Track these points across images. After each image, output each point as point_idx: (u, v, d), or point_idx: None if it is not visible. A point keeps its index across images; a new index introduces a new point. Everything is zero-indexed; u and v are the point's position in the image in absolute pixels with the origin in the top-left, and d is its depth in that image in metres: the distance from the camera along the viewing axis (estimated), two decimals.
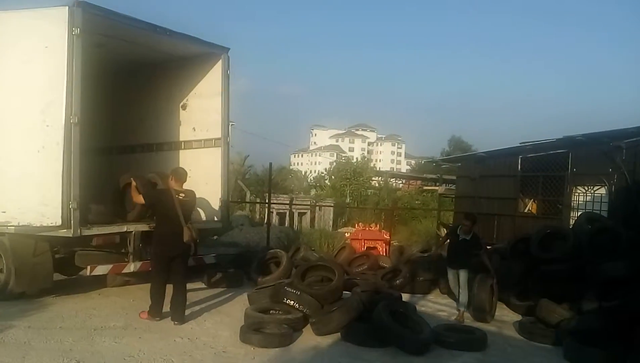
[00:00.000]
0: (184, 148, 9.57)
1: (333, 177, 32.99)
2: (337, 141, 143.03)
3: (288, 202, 22.87)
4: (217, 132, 9.04)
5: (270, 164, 13.96)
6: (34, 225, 6.90)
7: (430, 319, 8.16)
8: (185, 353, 5.98)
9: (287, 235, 15.36)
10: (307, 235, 14.93)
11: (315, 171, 63.85)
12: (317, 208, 24.10)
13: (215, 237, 19.07)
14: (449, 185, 16.94)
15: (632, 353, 5.98)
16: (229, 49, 8.96)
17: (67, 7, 6.65)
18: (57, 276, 8.54)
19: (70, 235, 6.79)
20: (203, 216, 9.10)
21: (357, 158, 36.16)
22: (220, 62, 8.92)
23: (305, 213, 23.55)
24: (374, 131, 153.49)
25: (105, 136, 10.49)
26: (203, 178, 8.99)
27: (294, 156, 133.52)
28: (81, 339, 6.25)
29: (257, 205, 23.80)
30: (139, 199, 7.34)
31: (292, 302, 7.25)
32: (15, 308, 7.35)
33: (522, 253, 10.01)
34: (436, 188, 17.84)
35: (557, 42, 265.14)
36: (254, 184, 27.42)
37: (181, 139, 9.65)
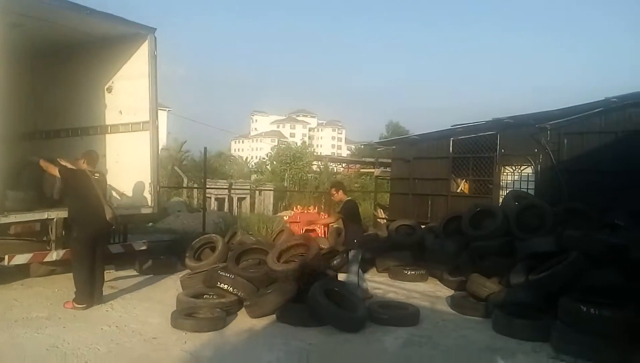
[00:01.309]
0: (111, 132, 9.18)
1: (275, 162, 32.81)
2: (278, 127, 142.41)
3: (227, 187, 22.55)
4: (144, 116, 8.72)
5: (205, 148, 13.64)
6: None
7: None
8: (113, 342, 5.76)
9: (225, 219, 15.14)
10: (246, 220, 14.76)
11: (256, 157, 63.41)
12: (257, 192, 23.89)
13: (150, 224, 18.74)
14: (385, 168, 17.18)
15: (555, 323, 6.25)
16: (155, 29, 8.63)
17: None
18: None
19: None
20: (132, 201, 8.79)
21: (296, 143, 36.10)
22: (146, 43, 8.59)
23: (244, 198, 23.32)
24: (314, 117, 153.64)
25: (27, 120, 9.94)
26: (132, 163, 8.71)
27: (235, 142, 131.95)
28: (0, 331, 5.91)
29: (195, 191, 23.33)
30: (54, 170, 7.08)
31: (226, 286, 7.15)
32: None
33: (454, 231, 10.32)
34: (373, 170, 18.04)
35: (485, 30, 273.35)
36: (192, 170, 26.86)
37: (107, 123, 9.26)
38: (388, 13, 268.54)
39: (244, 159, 59.08)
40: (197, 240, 10.40)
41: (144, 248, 8.95)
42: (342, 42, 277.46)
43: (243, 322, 6.69)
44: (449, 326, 6.99)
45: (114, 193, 8.86)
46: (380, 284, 9.51)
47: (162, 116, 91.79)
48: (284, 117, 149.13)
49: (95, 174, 6.80)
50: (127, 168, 8.82)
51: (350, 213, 8.22)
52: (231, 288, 7.10)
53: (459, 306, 7.71)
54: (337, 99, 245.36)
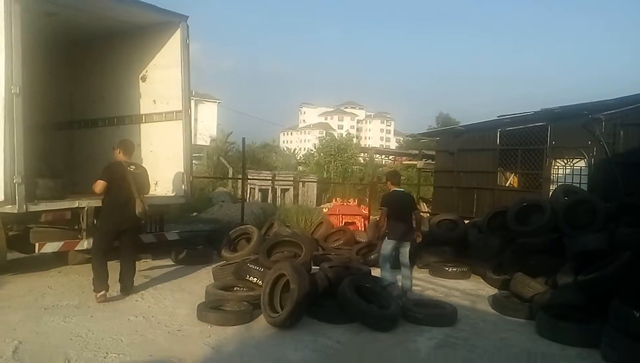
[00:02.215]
0: (145, 122, 9.16)
1: (322, 154, 32.66)
2: (326, 119, 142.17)
3: (270, 178, 22.48)
4: (177, 105, 8.64)
5: (244, 139, 13.57)
6: None
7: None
8: (137, 333, 5.68)
9: (265, 210, 15.04)
10: (285, 211, 14.60)
11: (304, 149, 63.45)
12: (301, 184, 23.72)
13: (194, 214, 18.95)
14: (429, 160, 16.65)
15: (606, 328, 5.77)
16: (187, 17, 8.53)
17: None
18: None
19: (15, 211, 6.41)
20: (165, 191, 8.75)
21: (341, 135, 35.74)
22: (178, 31, 8.50)
23: (288, 189, 23.18)
24: (362, 109, 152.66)
25: (65, 110, 10.06)
26: (165, 152, 8.66)
27: (284, 134, 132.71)
28: (28, 319, 5.93)
29: (238, 181, 23.40)
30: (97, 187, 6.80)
31: (254, 279, 6.96)
32: None
33: (499, 226, 9.81)
34: (415, 162, 17.54)
35: (545, 19, 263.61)
36: (237, 161, 26.93)
37: (142, 112, 9.26)
38: (439, 4, 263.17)
39: (292, 150, 59.25)
40: (234, 230, 10.32)
41: (176, 238, 8.89)
42: (391, 33, 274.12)
43: None
44: (488, 327, 6.59)
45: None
46: (419, 281, 9.13)
47: (212, 107, 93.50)
48: (332, 109, 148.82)
49: (131, 167, 6.65)
50: (161, 157, 8.78)
51: (385, 205, 7.82)
52: (260, 281, 6.91)
53: (500, 307, 7.27)
54: (386, 90, 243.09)
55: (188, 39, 8.56)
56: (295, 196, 23.37)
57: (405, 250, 7.86)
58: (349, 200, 13.87)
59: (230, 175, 24.63)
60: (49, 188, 7.14)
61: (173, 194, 8.76)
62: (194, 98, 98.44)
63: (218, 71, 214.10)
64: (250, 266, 7.07)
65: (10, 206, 6.41)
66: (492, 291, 8.40)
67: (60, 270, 8.42)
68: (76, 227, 7.36)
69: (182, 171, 8.64)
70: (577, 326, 5.95)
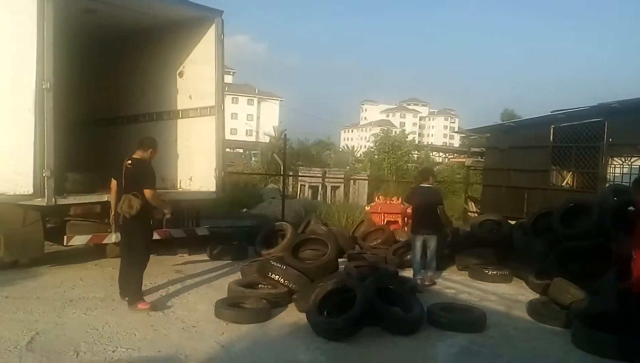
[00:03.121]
0: (182, 117, 9.28)
1: (375, 151, 32.31)
2: (387, 116, 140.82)
3: (320, 175, 22.42)
4: (211, 101, 8.68)
5: (284, 135, 13.58)
6: (8, 194, 6.77)
7: (434, 297, 7.67)
8: (152, 327, 5.71)
9: (306, 207, 14.95)
10: (327, 208, 14.45)
11: (364, 147, 63.13)
12: (352, 181, 23.52)
13: (245, 209, 19.17)
14: (477, 157, 16.01)
15: None
16: (222, 12, 8.56)
17: None
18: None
19: (44, 204, 6.61)
20: (199, 186, 8.81)
21: (395, 131, 35.19)
22: (213, 27, 8.52)
23: (338, 187, 23.04)
24: (426, 106, 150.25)
25: (104, 106, 10.37)
26: (199, 147, 8.73)
27: (345, 131, 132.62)
28: (52, 310, 6.09)
29: (291, 178, 23.51)
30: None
31: (277, 277, 6.87)
32: (3, 277, 7.30)
33: (545, 228, 9.27)
34: (463, 160, 16.92)
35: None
36: (289, 158, 27.12)
37: (179, 108, 9.37)
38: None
39: (351, 148, 59.06)
40: (269, 227, 10.29)
41: (206, 233, 8.93)
42: (456, 27, 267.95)
43: (290, 315, 6.38)
44: (519, 335, 6.19)
45: (180, 179, 9.00)
46: (455, 284, 8.77)
47: (275, 105, 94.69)
48: (394, 106, 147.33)
49: (127, 163, 6.30)
50: (195, 152, 8.88)
51: (407, 201, 8.39)
52: (282, 279, 6.81)
53: (537, 314, 6.83)
54: (451, 86, 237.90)
55: (223, 35, 8.58)
56: (346, 193, 23.19)
57: (431, 244, 8.23)
58: (392, 198, 13.52)
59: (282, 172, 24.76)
60: (78, 182, 7.35)
61: (206, 189, 8.80)
62: (257, 96, 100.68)
63: (282, 69, 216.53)
64: (272, 263, 6.98)
65: (39, 199, 6.63)
66: (532, 296, 7.89)
67: (97, 262, 8.65)
68: (106, 221, 7.50)
69: (214, 166, 8.66)
70: (615, 338, 5.47)
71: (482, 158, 14.73)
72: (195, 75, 9.04)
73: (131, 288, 6.32)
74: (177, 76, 9.30)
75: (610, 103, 10.34)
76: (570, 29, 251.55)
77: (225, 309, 6.06)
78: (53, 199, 6.70)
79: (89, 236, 7.39)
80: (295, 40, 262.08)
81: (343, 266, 8.08)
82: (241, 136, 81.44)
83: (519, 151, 12.64)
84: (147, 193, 6.12)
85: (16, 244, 7.53)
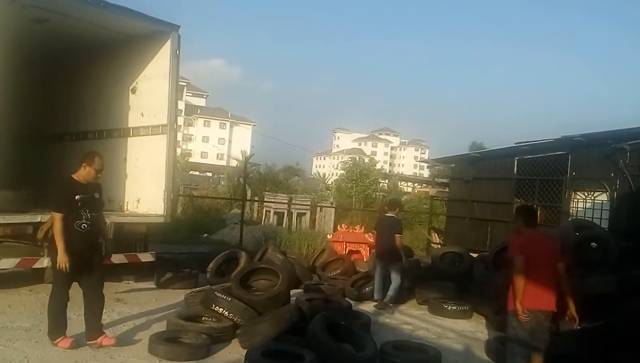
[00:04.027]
0: (132, 135, 8.82)
1: (344, 179, 32.07)
2: (359, 144, 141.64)
3: (286, 201, 21.98)
4: (163, 118, 8.26)
5: (246, 158, 13.33)
6: None
7: (389, 333, 7.32)
8: None
9: (266, 234, 14.50)
10: (287, 236, 14.02)
11: (336, 174, 63.11)
12: (318, 209, 23.13)
13: (205, 235, 18.60)
14: (440, 188, 15.87)
15: None
16: (178, 26, 8.26)
17: None
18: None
19: None
20: (146, 209, 8.32)
21: (364, 160, 35.05)
22: (169, 42, 8.16)
23: (304, 214, 22.62)
24: (397, 136, 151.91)
25: (53, 121, 9.83)
26: (148, 168, 8.27)
27: (317, 159, 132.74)
28: None
29: (256, 204, 23.04)
30: None
31: (221, 309, 6.39)
32: None
33: (506, 263, 8.98)
34: (427, 189, 16.76)
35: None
36: (256, 182, 26.66)
37: (129, 125, 8.92)
38: (476, 27, 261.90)
39: (322, 175, 58.81)
40: (222, 254, 9.83)
41: (151, 259, 8.40)
42: (431, 59, 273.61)
43: (232, 352, 5.91)
44: None
45: (127, 201, 8.50)
46: (413, 319, 8.42)
47: (247, 130, 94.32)
48: (366, 135, 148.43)
49: None
50: (144, 173, 8.41)
51: (375, 228, 9.38)
52: (226, 312, 6.34)
53: (495, 353, 6.52)
54: (422, 118, 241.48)
55: (178, 50, 8.24)
56: (313, 220, 22.77)
57: (391, 270, 8.82)
58: (355, 227, 13.19)
59: (248, 197, 24.25)
60: (9, 199, 6.77)
61: (154, 213, 8.32)
62: (229, 120, 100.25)
63: (255, 94, 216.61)
64: (217, 294, 6.50)
65: None
66: (492, 333, 7.61)
67: (32, 288, 8.01)
68: (39, 244, 6.94)
69: (164, 188, 8.20)
70: None
71: (447, 189, 14.57)
72: (148, 91, 8.64)
73: (48, 322, 5.62)
74: (130, 92, 8.87)
75: (574, 136, 10.28)
76: (542, 60, 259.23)
77: (160, 344, 5.55)
78: None
79: (18, 260, 6.80)
80: (270, 65, 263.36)
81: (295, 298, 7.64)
82: (212, 160, 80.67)
83: (483, 183, 12.49)
84: (52, 216, 5.44)
85: None
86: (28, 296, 7.59)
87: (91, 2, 7.40)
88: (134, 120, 8.90)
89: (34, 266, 7.07)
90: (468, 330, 7.95)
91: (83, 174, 5.58)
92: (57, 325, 5.55)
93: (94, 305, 5.70)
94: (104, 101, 9.25)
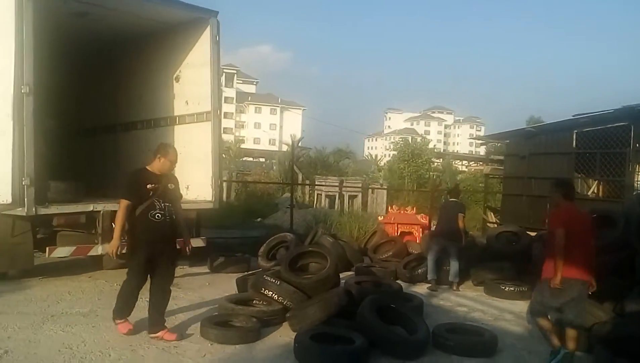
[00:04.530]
0: (178, 123, 8.94)
1: (395, 160, 31.68)
2: (412, 124, 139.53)
3: (337, 184, 21.93)
4: (207, 106, 8.30)
5: (293, 142, 13.25)
6: None
7: (443, 316, 7.14)
8: (130, 347, 5.29)
9: (316, 217, 14.46)
10: (338, 218, 13.92)
11: (388, 155, 62.69)
12: (370, 190, 22.96)
13: (258, 219, 18.84)
14: (494, 165, 15.31)
15: None
16: (217, 12, 8.25)
17: None
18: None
19: (25, 214, 6.26)
20: (195, 195, 8.41)
21: (416, 139, 34.37)
22: (208, 28, 8.17)
23: (356, 196, 22.51)
24: (451, 114, 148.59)
25: (101, 113, 10.09)
26: (195, 154, 8.33)
27: (368, 140, 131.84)
28: (30, 326, 5.72)
29: (307, 188, 23.10)
30: None
31: (270, 293, 6.39)
32: None
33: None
34: (482, 167, 16.23)
35: None
36: (306, 166, 26.70)
37: (175, 114, 9.05)
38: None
39: (374, 157, 58.45)
40: (272, 238, 9.85)
41: (202, 245, 8.50)
42: (482, 34, 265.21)
43: (283, 335, 5.90)
44: (533, 360, 5.63)
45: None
46: (469, 300, 8.20)
47: (297, 115, 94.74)
48: (419, 114, 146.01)
49: None
50: (191, 160, 8.47)
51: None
52: (276, 296, 6.34)
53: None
54: (477, 93, 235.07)
55: (218, 36, 8.25)
56: (365, 203, 22.66)
57: (451, 250, 8.82)
58: (406, 208, 12.95)
59: (299, 181, 24.35)
60: (62, 190, 6.99)
61: (202, 199, 8.42)
62: (280, 106, 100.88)
63: (305, 78, 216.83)
64: (266, 278, 6.50)
65: (19, 208, 6.29)
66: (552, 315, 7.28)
67: (91, 274, 8.30)
68: (93, 231, 7.15)
69: (211, 174, 8.26)
70: None
71: (502, 166, 14.04)
72: (191, 79, 8.71)
73: (116, 300, 5.66)
74: (174, 81, 8.98)
75: (635, 106, 9.64)
76: (596, 30, 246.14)
77: (211, 328, 5.61)
78: (33, 209, 6.35)
79: (73, 248, 7.03)
80: (319, 48, 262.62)
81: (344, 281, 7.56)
82: (264, 146, 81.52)
83: (540, 158, 11.96)
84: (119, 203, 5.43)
85: (4, 255, 7.20)
86: (87, 282, 7.85)
87: None
88: (179, 108, 9.00)
89: (88, 254, 7.27)
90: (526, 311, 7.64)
91: (158, 165, 5.51)
92: (122, 307, 5.58)
93: (159, 300, 5.66)
94: (150, 91, 9.41)
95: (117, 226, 5.33)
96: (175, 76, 8.94)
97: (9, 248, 7.20)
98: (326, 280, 6.73)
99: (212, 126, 8.23)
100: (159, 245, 5.46)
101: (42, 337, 5.45)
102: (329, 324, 5.69)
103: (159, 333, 5.56)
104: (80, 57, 9.67)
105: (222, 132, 8.54)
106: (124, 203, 5.30)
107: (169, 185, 5.57)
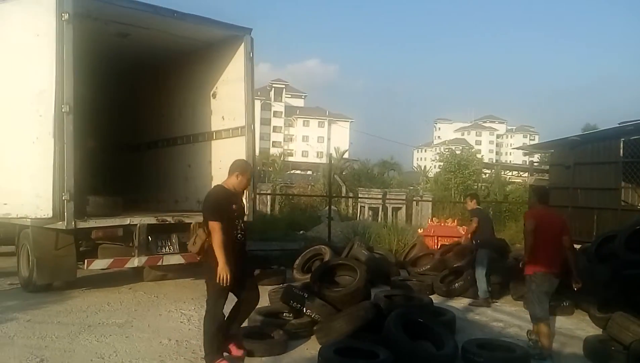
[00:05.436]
0: (215, 138, 9.19)
1: (442, 171, 31.21)
2: (462, 134, 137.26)
3: (380, 196, 21.80)
4: (241, 120, 8.51)
5: (330, 154, 13.25)
6: (31, 217, 6.79)
7: (477, 331, 6.97)
8: (159, 358, 5.45)
9: (355, 230, 14.39)
10: (377, 231, 13.84)
11: (437, 166, 61.76)
12: (414, 203, 22.69)
13: (301, 232, 18.92)
14: (539, 175, 14.85)
15: None
16: (250, 29, 8.48)
17: None
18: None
19: (64, 227, 6.56)
20: None
21: (465, 150, 33.65)
22: (242, 45, 8.40)
23: (400, 208, 22.29)
24: (503, 123, 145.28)
25: (141, 129, 10.47)
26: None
27: (417, 151, 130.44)
28: (66, 336, 5.97)
29: (350, 200, 23.08)
30: None
31: (298, 305, 6.42)
32: (33, 300, 7.38)
33: (611, 254, 8.24)
34: (521, 178, 15.75)
35: None
36: (350, 178, 26.68)
37: (212, 129, 9.30)
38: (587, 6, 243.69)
39: (422, 168, 57.70)
40: (308, 250, 9.89)
41: None
42: (534, 39, 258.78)
43: (310, 348, 5.91)
44: None
45: None
46: (506, 315, 7.97)
47: (345, 127, 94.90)
48: (469, 124, 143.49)
49: None
50: (227, 173, 8.67)
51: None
52: (304, 309, 6.36)
53: (593, 353, 6.00)
54: (530, 102, 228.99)
55: (252, 52, 8.45)
56: (409, 215, 22.40)
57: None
58: (447, 220, 12.75)
59: (343, 193, 24.37)
60: (100, 205, 7.28)
61: None
62: (327, 118, 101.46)
63: (352, 90, 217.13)
64: (295, 291, 6.54)
65: (60, 222, 6.59)
66: (594, 332, 6.99)
67: (131, 286, 8.56)
68: (130, 244, 7.41)
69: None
70: None
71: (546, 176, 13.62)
72: (227, 95, 8.94)
73: (204, 341, 5.30)
74: (211, 97, 9.24)
75: None
76: None
77: None
78: (73, 223, 6.65)
79: (110, 260, 7.30)
80: (366, 61, 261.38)
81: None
82: (312, 158, 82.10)
83: (585, 168, 11.54)
84: (210, 226, 5.01)
85: (48, 267, 7.56)
86: (126, 294, 8.11)
87: (167, 14, 7.72)
88: (215, 123, 9.24)
89: (125, 266, 7.53)
90: (567, 327, 7.38)
91: (235, 183, 5.31)
92: (214, 347, 5.18)
93: (242, 316, 5.64)
94: (189, 107, 9.71)
95: (220, 251, 4.94)
96: (212, 92, 9.20)
97: (53, 260, 7.56)
98: (355, 293, 6.70)
99: (246, 140, 8.40)
100: (241, 265, 5.27)
101: (77, 346, 5.67)
102: (355, 338, 5.67)
103: (230, 347, 5.43)
104: (121, 75, 10.09)
105: (255, 145, 8.66)
106: (217, 225, 4.95)
107: (242, 203, 5.52)
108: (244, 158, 8.39)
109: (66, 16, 6.43)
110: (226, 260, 4.93)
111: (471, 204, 9.18)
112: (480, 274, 8.44)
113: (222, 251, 4.92)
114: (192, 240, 5.19)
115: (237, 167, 5.39)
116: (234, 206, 5.21)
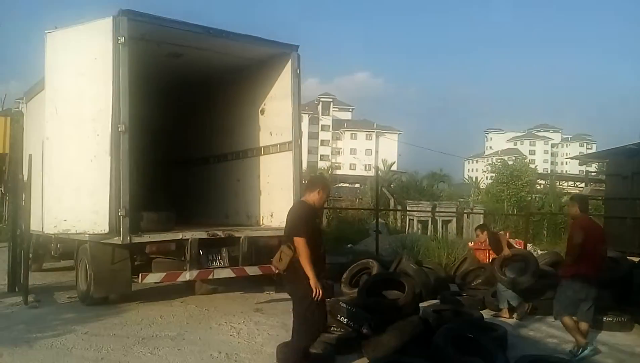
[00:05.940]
0: (264, 154, 9.40)
1: (494, 182, 30.57)
2: (515, 144, 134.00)
3: (429, 209, 21.50)
4: (288, 136, 8.68)
5: (377, 167, 13.28)
6: (89, 233, 7.09)
7: (530, 347, 6.78)
8: None
9: (403, 243, 14.27)
10: (426, 243, 13.66)
11: (489, 178, 60.59)
12: (465, 215, 22.26)
13: (349, 245, 18.90)
14: (595, 185, 14.29)
15: None
16: (297, 46, 8.67)
17: (111, 18, 6.81)
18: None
19: (120, 242, 6.82)
20: (278, 222, 8.72)
21: (519, 160, 32.82)
22: (290, 62, 8.58)
23: (450, 221, 21.92)
24: (558, 132, 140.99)
25: (193, 145, 10.80)
26: (278, 183, 8.73)
27: (468, 163, 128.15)
28: (121, 348, 6.17)
29: (399, 213, 22.88)
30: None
31: (345, 319, 6.43)
32: (90, 313, 7.66)
33: None
34: (574, 189, 15.19)
35: None
36: (398, 191, 26.47)
37: (261, 144, 9.54)
38: None
39: (474, 179, 56.63)
40: (355, 264, 9.87)
41: None
42: (590, 42, 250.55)
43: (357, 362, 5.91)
44: None
45: (262, 215, 9.05)
46: (560, 331, 7.61)
47: (393, 139, 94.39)
48: (522, 134, 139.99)
49: None
50: (275, 188, 8.89)
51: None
52: (351, 322, 6.36)
53: None
54: (587, 110, 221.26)
55: (299, 69, 8.62)
56: (460, 228, 21.99)
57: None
58: (500, 232, 12.41)
59: (391, 206, 24.18)
60: (154, 220, 7.54)
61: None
62: (375, 131, 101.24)
63: (400, 102, 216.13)
64: (341, 305, 6.56)
65: (116, 237, 6.87)
66: None
67: (183, 300, 8.77)
68: (182, 259, 7.62)
69: (292, 201, 8.53)
70: None
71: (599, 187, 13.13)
72: (274, 111, 9.16)
73: (287, 359, 5.40)
74: (259, 113, 9.47)
75: None
76: None
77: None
78: (128, 238, 6.92)
79: (163, 274, 7.53)
80: (414, 71, 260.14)
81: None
82: (360, 171, 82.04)
83: None
84: (296, 242, 5.03)
85: (105, 281, 7.85)
86: (179, 307, 8.32)
87: (218, 35, 8.03)
88: (264, 139, 9.46)
89: (177, 280, 7.74)
90: (625, 343, 7.07)
91: (316, 198, 5.34)
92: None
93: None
94: (238, 124, 9.98)
95: (309, 267, 4.96)
96: (260, 108, 9.44)
97: (109, 274, 7.85)
98: (403, 307, 6.67)
99: (294, 154, 8.55)
100: (322, 277, 5.28)
101: (131, 358, 5.87)
102: (402, 353, 5.63)
103: None
104: (174, 93, 10.50)
105: (302, 160, 8.81)
106: (304, 241, 4.97)
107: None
108: (292, 172, 8.57)
109: (122, 40, 6.78)
110: (315, 274, 5.00)
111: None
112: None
113: (311, 267, 4.99)
114: (278, 256, 5.23)
115: (319, 183, 5.50)
116: (317, 221, 5.36)
